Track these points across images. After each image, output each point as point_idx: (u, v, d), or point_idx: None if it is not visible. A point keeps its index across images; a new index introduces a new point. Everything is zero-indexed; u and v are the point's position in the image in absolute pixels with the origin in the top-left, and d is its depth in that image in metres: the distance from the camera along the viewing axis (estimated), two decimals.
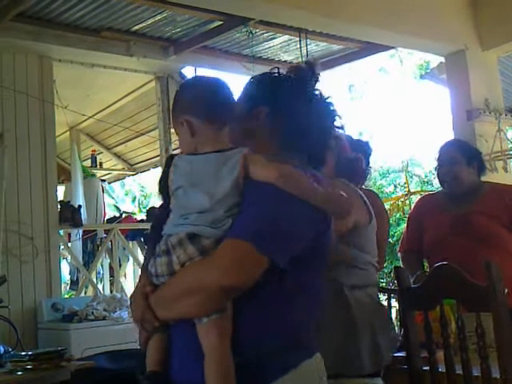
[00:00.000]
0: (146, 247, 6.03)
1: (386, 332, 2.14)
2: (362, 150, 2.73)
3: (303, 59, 5.63)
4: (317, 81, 1.63)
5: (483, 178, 3.29)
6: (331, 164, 2.20)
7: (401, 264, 3.29)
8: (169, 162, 1.50)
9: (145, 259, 1.69)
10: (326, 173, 1.71)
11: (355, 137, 2.85)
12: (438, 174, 3.24)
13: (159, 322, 1.45)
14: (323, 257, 1.53)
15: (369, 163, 2.88)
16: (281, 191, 1.40)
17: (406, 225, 3.40)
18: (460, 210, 3.13)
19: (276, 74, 1.65)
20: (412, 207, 3.53)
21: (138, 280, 1.57)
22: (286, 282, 1.43)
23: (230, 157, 1.44)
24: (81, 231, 6.32)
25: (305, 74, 1.63)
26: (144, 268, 1.54)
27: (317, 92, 1.62)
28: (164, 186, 1.50)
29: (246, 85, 1.68)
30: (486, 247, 2.98)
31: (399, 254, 3.40)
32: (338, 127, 1.66)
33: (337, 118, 1.65)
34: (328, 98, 1.64)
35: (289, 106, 1.58)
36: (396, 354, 2.31)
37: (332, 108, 1.64)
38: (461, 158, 3.16)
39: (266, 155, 1.47)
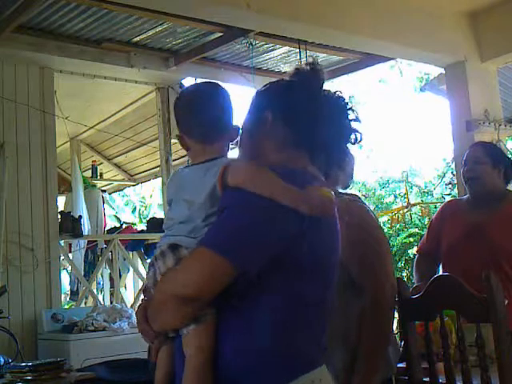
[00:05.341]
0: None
1: (392, 343, 2.14)
2: None
3: None
4: (321, 79, 1.57)
5: None
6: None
7: (414, 265, 3.25)
8: None
9: None
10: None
11: None
12: (462, 172, 3.15)
13: (155, 333, 1.44)
14: (309, 261, 1.38)
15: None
16: (248, 195, 1.33)
17: (427, 227, 3.37)
18: (478, 217, 3.03)
19: (277, 82, 1.62)
20: (436, 211, 3.47)
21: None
22: (266, 291, 1.35)
23: (212, 166, 1.43)
24: (82, 241, 6.32)
25: (307, 75, 1.57)
26: None
27: (323, 90, 1.57)
28: None
29: (252, 98, 1.64)
30: (495, 259, 2.91)
31: (416, 255, 3.36)
32: (353, 120, 1.59)
33: (350, 112, 1.58)
34: (337, 92, 1.58)
35: (293, 109, 1.53)
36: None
37: (343, 103, 1.57)
38: (486, 159, 3.07)
39: (255, 162, 1.44)
